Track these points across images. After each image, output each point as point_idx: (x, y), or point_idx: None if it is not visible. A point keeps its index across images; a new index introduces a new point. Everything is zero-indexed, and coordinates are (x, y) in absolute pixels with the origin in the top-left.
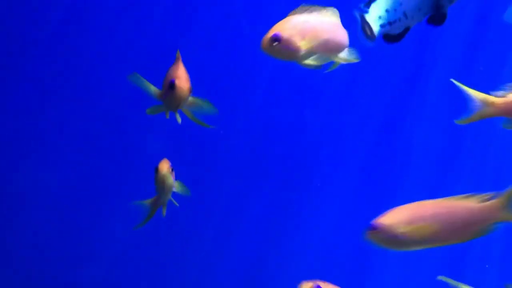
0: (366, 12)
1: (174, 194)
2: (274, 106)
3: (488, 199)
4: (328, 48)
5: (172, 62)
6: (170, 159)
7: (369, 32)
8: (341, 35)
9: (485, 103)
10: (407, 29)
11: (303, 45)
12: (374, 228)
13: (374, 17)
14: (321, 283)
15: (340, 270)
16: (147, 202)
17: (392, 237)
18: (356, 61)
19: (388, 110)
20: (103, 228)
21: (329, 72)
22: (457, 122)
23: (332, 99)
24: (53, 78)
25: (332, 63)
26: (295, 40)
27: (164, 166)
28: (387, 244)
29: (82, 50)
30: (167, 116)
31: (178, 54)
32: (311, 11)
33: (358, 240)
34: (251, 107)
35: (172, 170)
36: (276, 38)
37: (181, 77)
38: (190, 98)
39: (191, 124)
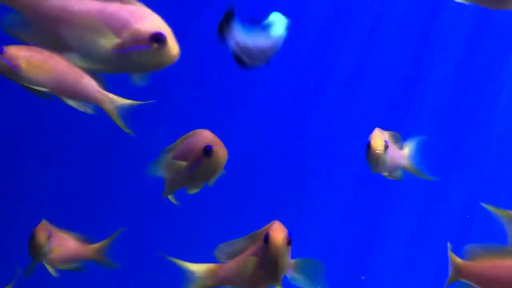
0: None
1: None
2: (273, 107)
3: None
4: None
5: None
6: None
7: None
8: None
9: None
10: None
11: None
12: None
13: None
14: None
15: (339, 272)
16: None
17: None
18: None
19: (387, 111)
20: (103, 228)
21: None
22: None
23: (332, 100)
24: None
25: None
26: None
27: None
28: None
29: None
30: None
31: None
32: None
33: (357, 241)
34: (250, 108)
35: (48, 237)
36: None
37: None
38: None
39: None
